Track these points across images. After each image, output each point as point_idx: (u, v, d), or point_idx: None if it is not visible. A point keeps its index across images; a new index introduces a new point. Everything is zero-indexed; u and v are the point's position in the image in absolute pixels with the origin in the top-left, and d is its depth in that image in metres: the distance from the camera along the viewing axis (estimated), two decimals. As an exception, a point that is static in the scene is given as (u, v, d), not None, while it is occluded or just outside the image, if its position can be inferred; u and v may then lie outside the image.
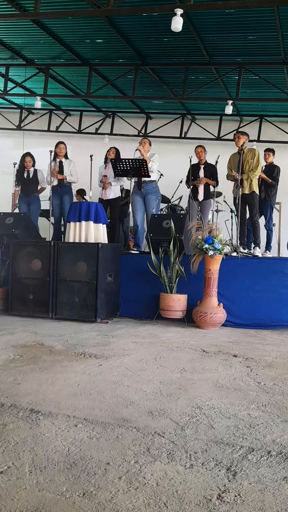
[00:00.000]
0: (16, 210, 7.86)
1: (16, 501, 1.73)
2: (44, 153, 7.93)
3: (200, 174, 7.41)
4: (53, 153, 7.53)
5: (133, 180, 7.03)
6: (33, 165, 7.88)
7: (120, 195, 7.81)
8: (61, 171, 7.51)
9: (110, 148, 7.75)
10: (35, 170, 7.85)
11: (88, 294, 5.64)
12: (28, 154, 7.91)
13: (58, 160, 7.56)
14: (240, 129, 10.84)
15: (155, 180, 7.05)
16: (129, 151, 7.88)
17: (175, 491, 1.82)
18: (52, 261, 5.81)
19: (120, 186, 7.87)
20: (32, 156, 7.88)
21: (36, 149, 8.83)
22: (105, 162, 7.65)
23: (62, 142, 7.74)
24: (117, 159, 6.84)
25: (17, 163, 7.95)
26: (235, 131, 7.06)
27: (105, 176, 7.49)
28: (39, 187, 7.88)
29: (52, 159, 7.51)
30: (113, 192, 7.62)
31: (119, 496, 1.78)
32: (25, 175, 7.82)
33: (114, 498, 1.76)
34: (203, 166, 7.45)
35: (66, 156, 7.69)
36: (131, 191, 7.09)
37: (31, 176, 7.81)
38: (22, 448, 2.15)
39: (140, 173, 6.71)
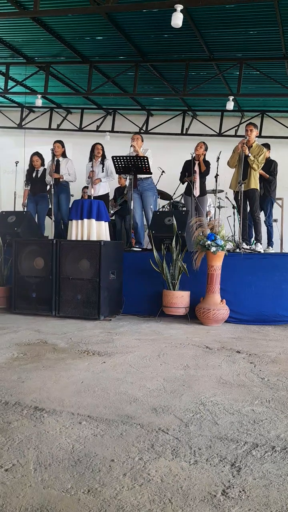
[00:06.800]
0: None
1: (21, 498, 1.73)
2: (45, 151, 7.94)
3: (196, 170, 7.33)
4: (50, 152, 7.53)
5: (128, 177, 6.98)
6: (42, 164, 7.89)
7: (108, 191, 7.79)
8: (57, 169, 7.49)
9: (96, 144, 7.63)
10: (44, 170, 7.85)
11: (91, 291, 5.64)
12: (36, 153, 7.92)
13: (55, 159, 7.54)
14: (241, 124, 10.82)
15: (150, 177, 6.95)
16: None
17: (179, 487, 1.83)
18: (54, 259, 5.81)
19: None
20: (40, 155, 7.89)
21: (37, 147, 8.84)
22: (91, 159, 7.58)
23: (58, 142, 7.69)
24: (118, 156, 6.81)
25: (18, 161, 7.95)
26: (247, 123, 6.88)
27: (93, 171, 7.38)
28: (48, 187, 7.87)
29: (50, 158, 7.52)
30: (103, 188, 7.58)
31: (124, 493, 1.78)
32: (34, 174, 7.84)
33: (119, 495, 1.77)
34: (198, 162, 7.33)
35: (64, 155, 7.67)
36: (127, 189, 7.06)
37: (39, 175, 7.82)
38: (27, 446, 2.16)
39: (142, 170, 6.69)
